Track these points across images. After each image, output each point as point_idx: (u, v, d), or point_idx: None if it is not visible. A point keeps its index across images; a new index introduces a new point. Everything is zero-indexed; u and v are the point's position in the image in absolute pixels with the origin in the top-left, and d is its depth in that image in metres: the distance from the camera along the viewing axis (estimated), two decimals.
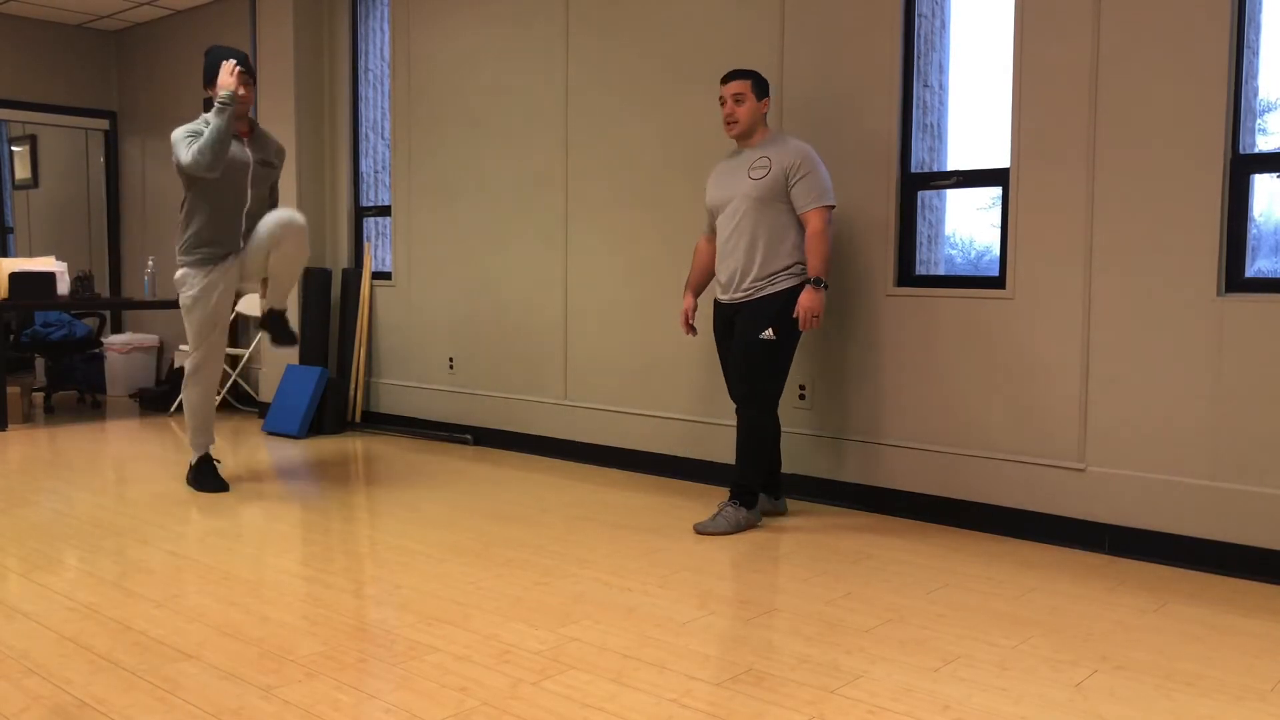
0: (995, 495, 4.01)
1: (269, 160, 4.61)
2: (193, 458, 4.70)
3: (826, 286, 3.93)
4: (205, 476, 4.64)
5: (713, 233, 4.23)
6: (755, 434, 3.99)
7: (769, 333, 3.91)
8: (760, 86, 4.02)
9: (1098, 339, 3.76)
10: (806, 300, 3.86)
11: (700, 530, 3.94)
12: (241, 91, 4.39)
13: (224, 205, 4.48)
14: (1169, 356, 3.61)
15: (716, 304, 4.15)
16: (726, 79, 4.02)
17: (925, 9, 4.23)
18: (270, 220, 4.51)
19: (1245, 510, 3.46)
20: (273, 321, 4.78)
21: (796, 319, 3.88)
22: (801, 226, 3.95)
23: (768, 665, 2.64)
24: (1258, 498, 3.44)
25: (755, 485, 4.01)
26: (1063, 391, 3.84)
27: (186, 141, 4.31)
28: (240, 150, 4.48)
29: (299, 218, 4.54)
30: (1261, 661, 2.71)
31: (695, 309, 4.28)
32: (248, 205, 4.54)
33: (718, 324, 4.15)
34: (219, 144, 4.25)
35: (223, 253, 4.51)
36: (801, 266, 3.95)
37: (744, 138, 4.05)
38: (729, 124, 4.03)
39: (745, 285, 3.98)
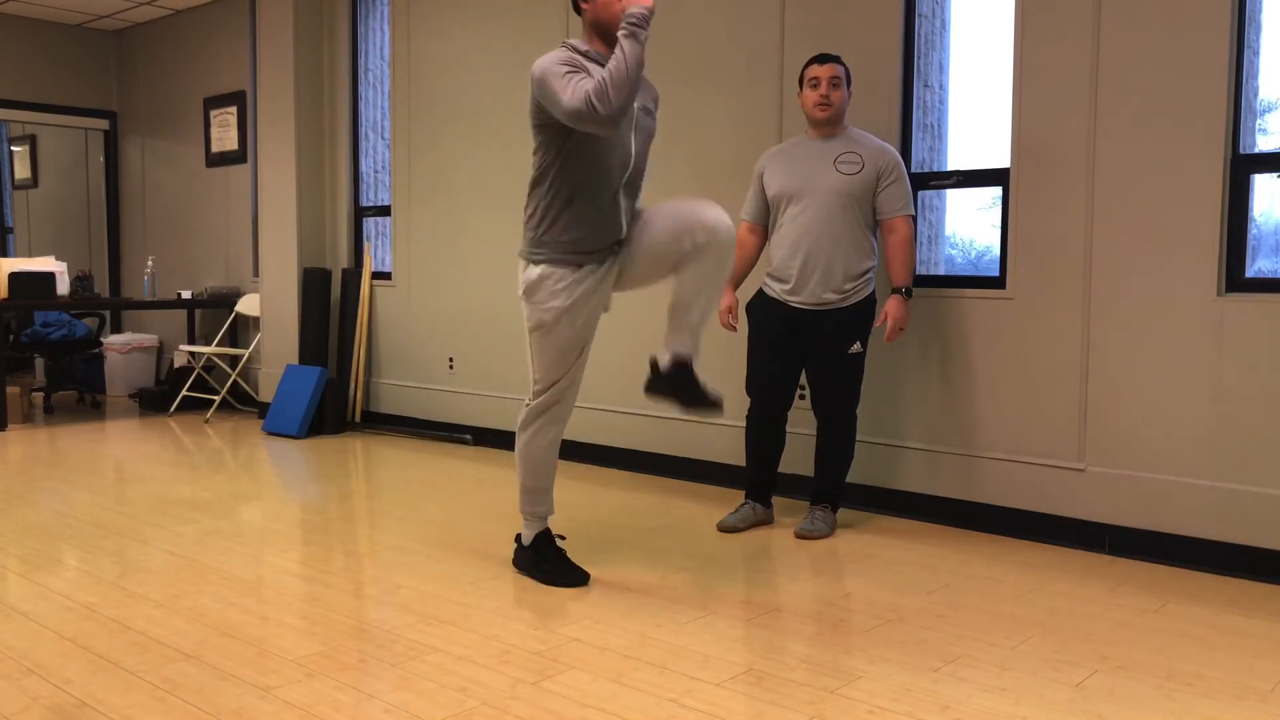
0: (995, 495, 4.01)
1: (648, 107, 3.29)
2: (526, 533, 3.42)
3: (911, 295, 3.88)
4: (557, 563, 3.36)
5: (759, 221, 4.03)
6: (851, 442, 3.98)
7: (857, 346, 3.85)
8: (849, 74, 3.90)
9: (1098, 339, 3.76)
10: (897, 311, 3.79)
11: (801, 534, 3.92)
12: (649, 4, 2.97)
13: (605, 173, 3.14)
14: (1169, 356, 3.61)
15: (771, 300, 3.95)
16: (823, 60, 3.83)
17: (925, 9, 4.23)
18: (686, 214, 3.12)
19: (1245, 510, 3.46)
20: (677, 377, 3.20)
21: (876, 327, 3.86)
22: (874, 230, 3.89)
23: (768, 665, 2.64)
24: (1258, 498, 3.44)
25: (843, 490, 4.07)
26: (1063, 391, 3.84)
27: (566, 78, 2.95)
28: None
29: (723, 216, 3.11)
30: (1261, 661, 2.71)
31: (737, 304, 4.07)
32: (629, 170, 3.20)
33: (770, 320, 3.95)
34: (633, 83, 2.88)
35: (603, 243, 3.19)
36: (874, 271, 3.89)
37: (831, 124, 3.87)
38: (822, 107, 3.81)
39: (826, 293, 3.82)
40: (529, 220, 3.23)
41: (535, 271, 3.19)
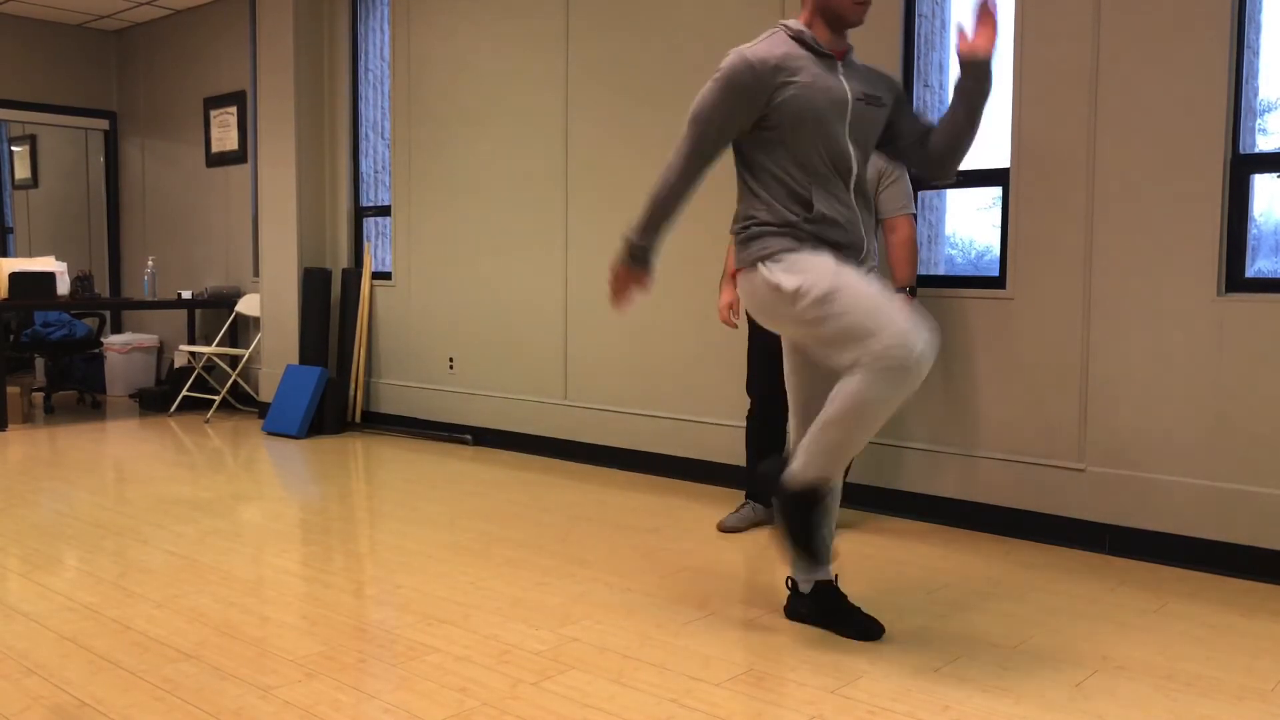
0: (995, 495, 4.01)
1: (875, 96, 2.75)
2: (803, 578, 2.91)
3: (915, 294, 3.87)
4: (846, 611, 2.85)
5: None
6: None
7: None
8: None
9: (1098, 339, 3.76)
10: None
11: None
12: None
13: (815, 166, 2.67)
14: (1169, 356, 3.61)
15: None
16: None
17: (925, 9, 4.23)
18: (867, 318, 2.49)
19: (1245, 510, 3.46)
20: (787, 507, 2.69)
21: None
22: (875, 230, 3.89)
23: (768, 665, 2.64)
24: (1258, 498, 3.44)
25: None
26: (1063, 391, 3.84)
27: (695, 124, 2.66)
28: (834, 80, 2.68)
29: (918, 341, 2.46)
30: (1261, 661, 2.71)
31: (738, 301, 4.02)
32: (854, 169, 2.72)
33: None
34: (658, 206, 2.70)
35: (843, 238, 2.69)
36: (875, 272, 3.88)
37: None
38: None
39: None
40: (741, 219, 2.75)
41: (761, 274, 2.65)
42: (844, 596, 2.90)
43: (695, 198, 4.85)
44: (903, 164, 2.96)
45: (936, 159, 2.79)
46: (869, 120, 2.73)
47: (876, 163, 3.81)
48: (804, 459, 2.63)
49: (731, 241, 4.01)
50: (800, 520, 2.65)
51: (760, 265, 2.66)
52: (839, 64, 2.70)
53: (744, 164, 2.75)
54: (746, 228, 2.72)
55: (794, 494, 2.65)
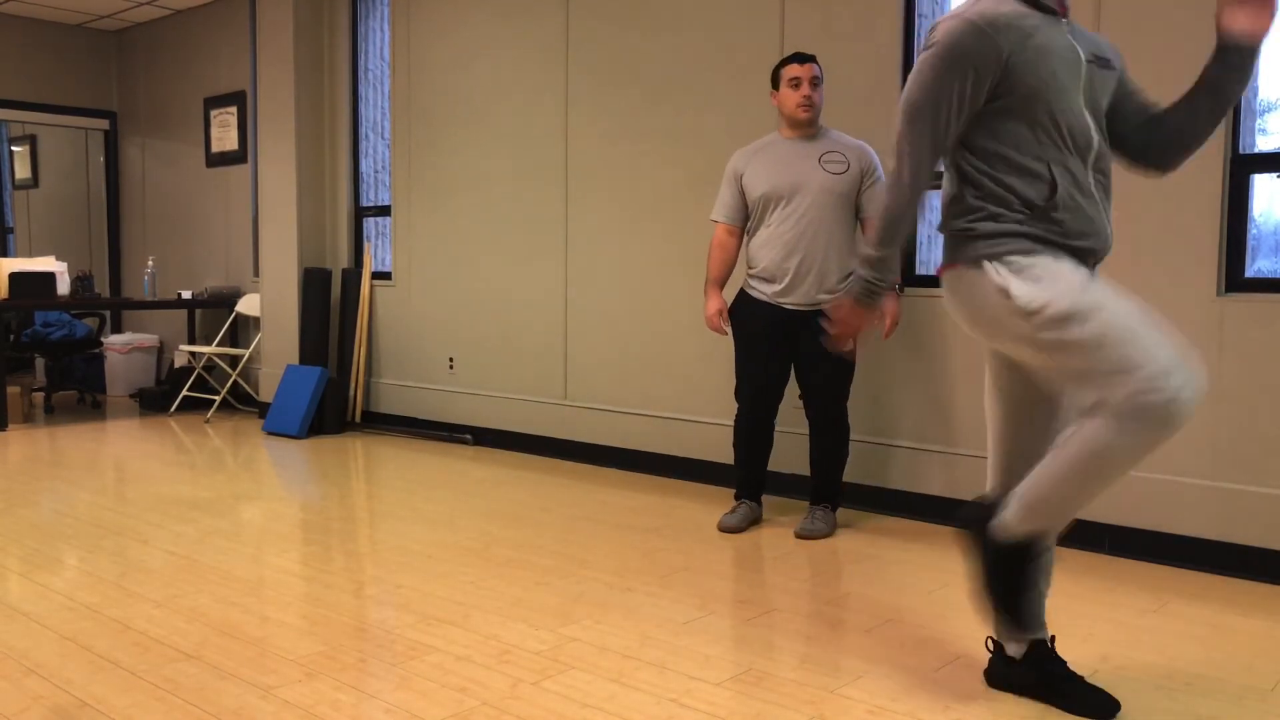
0: None
1: (1105, 58, 2.33)
2: (1009, 639, 2.48)
3: (903, 291, 3.87)
4: (1070, 684, 2.39)
5: (738, 222, 3.99)
6: (847, 440, 3.98)
7: (851, 343, 3.86)
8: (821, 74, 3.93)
9: None
10: (894, 308, 3.80)
11: (802, 534, 3.91)
12: None
13: (1054, 142, 2.23)
14: None
15: (757, 302, 3.92)
16: (802, 59, 3.82)
17: (925, 9, 4.23)
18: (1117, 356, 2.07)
19: (1245, 510, 3.46)
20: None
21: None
22: (856, 228, 3.92)
23: (768, 665, 2.64)
24: (1258, 498, 3.44)
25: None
26: None
27: (919, 125, 2.25)
28: (1065, 39, 2.26)
29: (1189, 385, 2.07)
30: (1261, 661, 2.71)
31: (725, 306, 4.00)
32: (1095, 144, 2.27)
33: (756, 322, 3.92)
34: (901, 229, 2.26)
35: (1079, 234, 2.23)
36: None
37: (812, 124, 3.88)
38: (804, 108, 3.82)
39: (820, 293, 3.81)
40: (960, 209, 2.29)
41: (989, 275, 2.21)
42: (1064, 663, 2.42)
43: (692, 199, 4.85)
44: (1116, 148, 2.42)
45: (1163, 149, 2.37)
46: (1102, 85, 2.30)
47: (860, 162, 3.84)
48: (1021, 511, 2.23)
49: (717, 242, 4.03)
50: (1007, 577, 2.28)
51: (987, 264, 2.21)
52: (1065, 21, 2.28)
53: (962, 145, 2.30)
54: (972, 220, 2.25)
55: (1003, 547, 2.27)
